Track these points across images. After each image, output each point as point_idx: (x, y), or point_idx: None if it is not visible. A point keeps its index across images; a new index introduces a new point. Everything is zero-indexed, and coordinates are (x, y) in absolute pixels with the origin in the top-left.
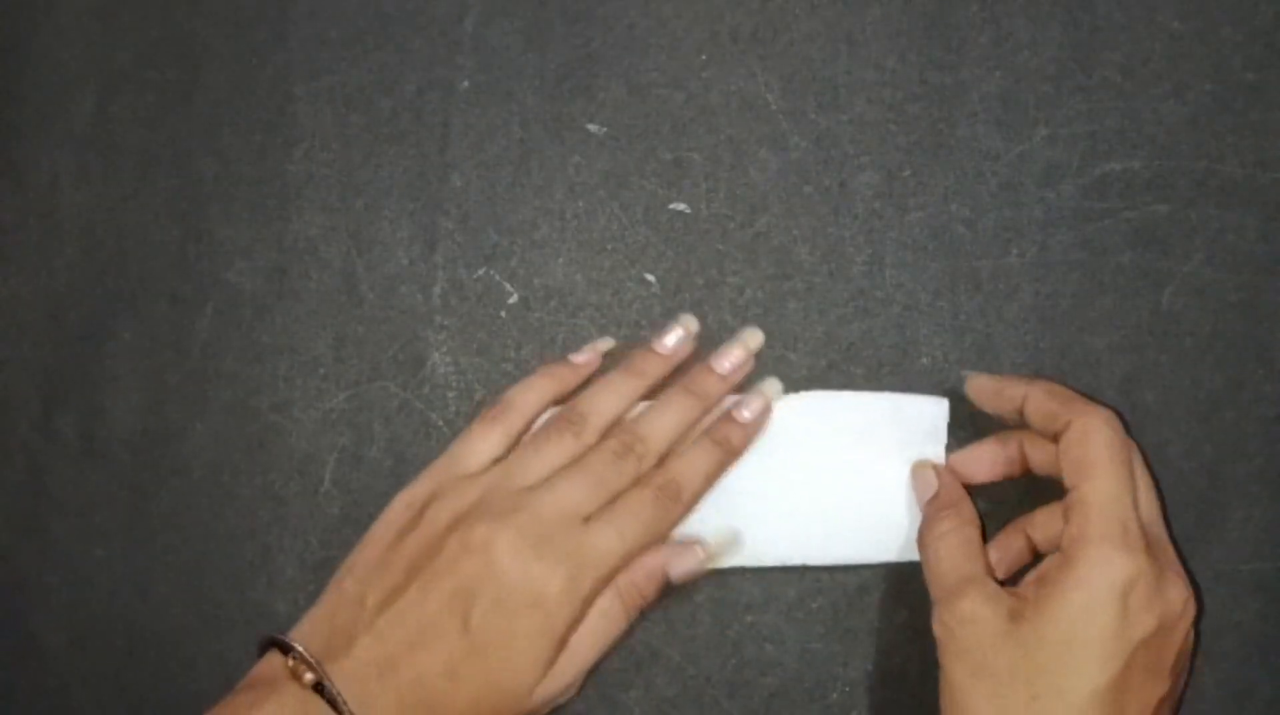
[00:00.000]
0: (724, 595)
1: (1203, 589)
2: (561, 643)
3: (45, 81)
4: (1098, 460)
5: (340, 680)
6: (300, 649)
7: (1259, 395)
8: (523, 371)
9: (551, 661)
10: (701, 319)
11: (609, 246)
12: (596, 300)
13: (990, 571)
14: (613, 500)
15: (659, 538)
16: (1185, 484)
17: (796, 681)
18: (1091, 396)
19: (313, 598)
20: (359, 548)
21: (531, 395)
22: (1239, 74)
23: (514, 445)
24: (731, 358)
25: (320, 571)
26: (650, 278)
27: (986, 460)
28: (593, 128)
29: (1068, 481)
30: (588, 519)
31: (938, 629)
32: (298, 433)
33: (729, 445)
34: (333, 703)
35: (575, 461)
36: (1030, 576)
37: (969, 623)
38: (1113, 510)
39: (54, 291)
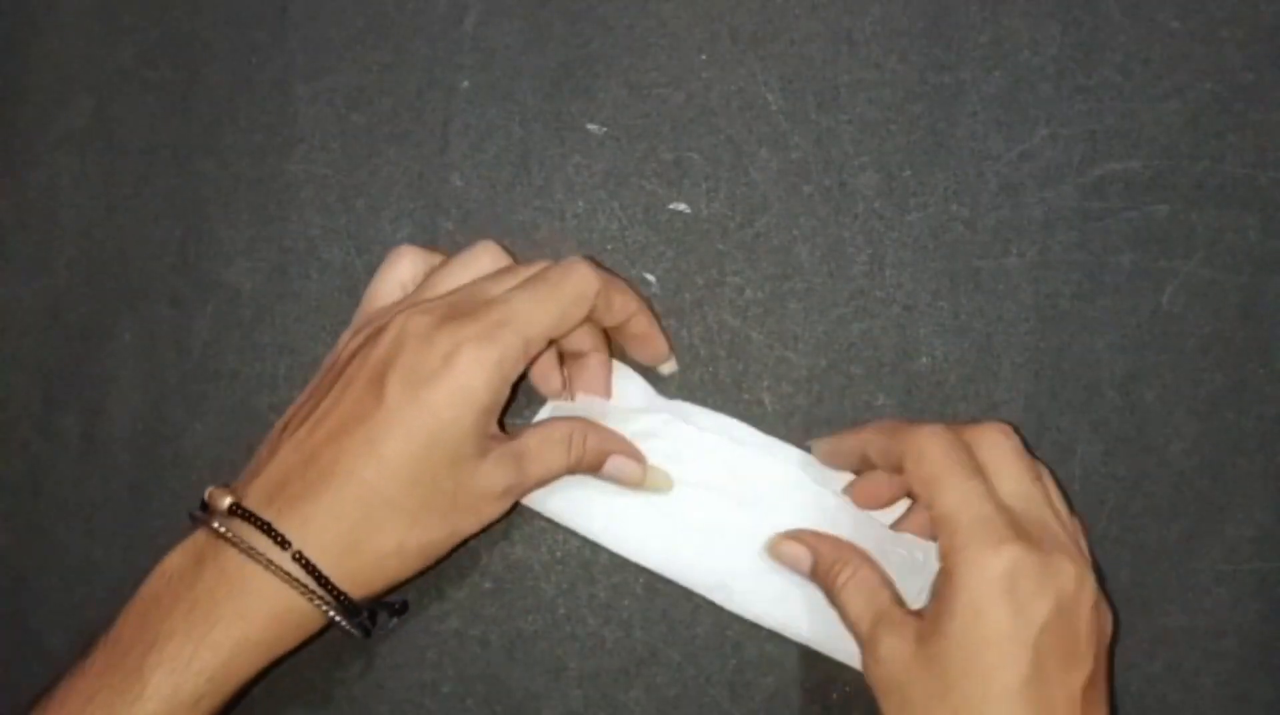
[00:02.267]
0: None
1: (1203, 589)
2: (487, 414)
3: (45, 81)
4: (934, 475)
5: (258, 496)
6: (211, 486)
7: (1259, 395)
8: None
9: (481, 436)
10: (701, 319)
11: (609, 246)
12: None
13: (895, 599)
14: None
15: (578, 304)
16: (1185, 484)
17: (796, 681)
18: (1091, 396)
19: None
20: None
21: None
22: (1239, 74)
23: (417, 274)
24: None
25: None
26: (650, 278)
27: (883, 490)
28: (593, 128)
29: (925, 503)
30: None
31: (867, 676)
32: None
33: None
34: (247, 517)
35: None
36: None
37: (885, 662)
38: (967, 514)
39: (54, 291)
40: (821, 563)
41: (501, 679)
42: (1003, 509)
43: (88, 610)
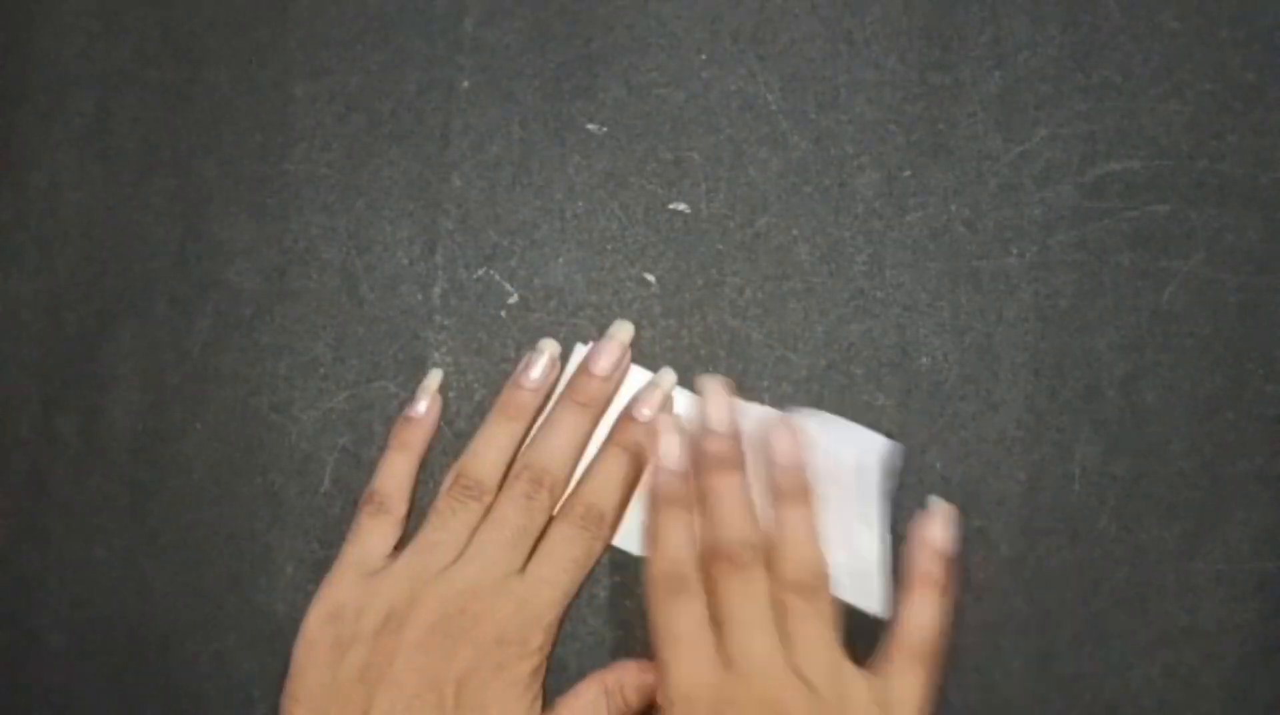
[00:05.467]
0: None
1: (1203, 589)
2: (534, 693)
3: (45, 81)
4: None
5: None
6: None
7: (1259, 395)
8: None
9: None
10: (701, 319)
11: (609, 246)
12: (596, 300)
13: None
14: (539, 544)
15: (593, 564)
16: (1185, 484)
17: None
18: (1091, 396)
19: (312, 598)
20: (295, 676)
21: (400, 476)
22: (1239, 74)
23: (404, 529)
24: (607, 356)
25: (320, 571)
26: (650, 278)
27: None
28: (593, 128)
29: None
30: (521, 570)
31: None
32: (298, 433)
33: (637, 449)
34: None
35: (489, 521)
36: None
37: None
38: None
39: (54, 291)
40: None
41: None
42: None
43: (88, 610)
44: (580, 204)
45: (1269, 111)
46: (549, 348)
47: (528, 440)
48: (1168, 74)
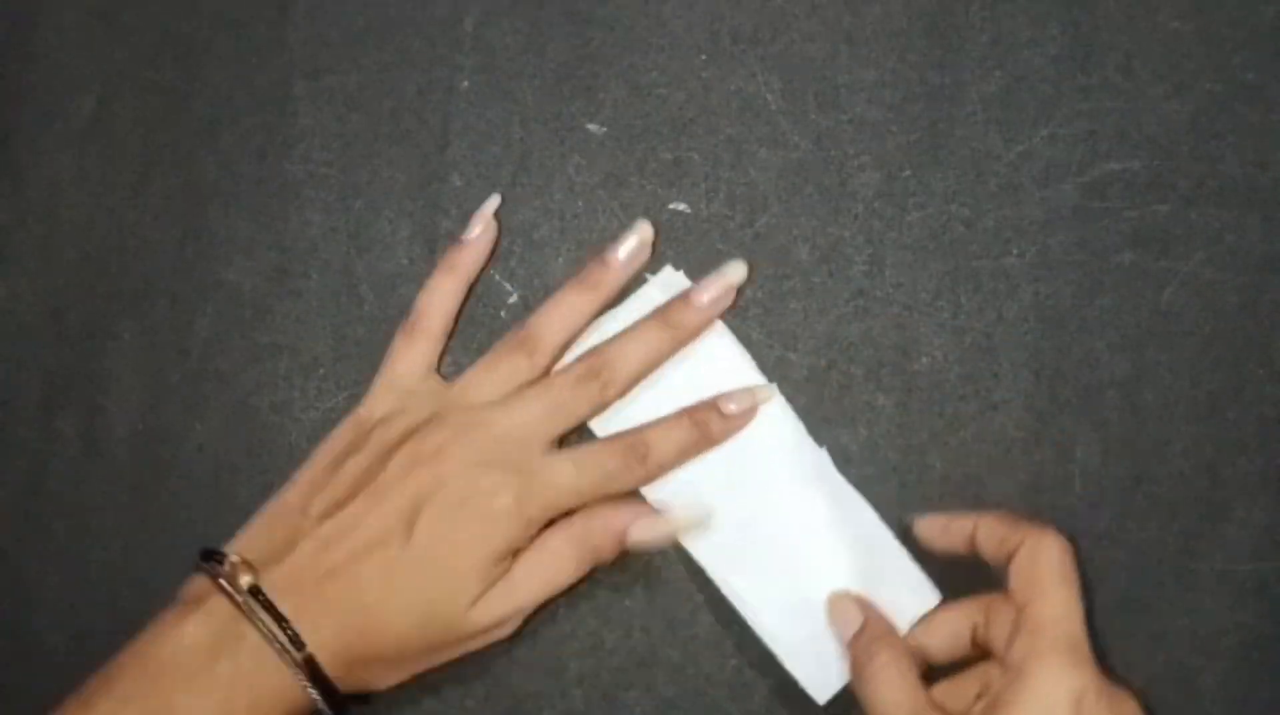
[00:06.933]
0: (724, 595)
1: (1203, 589)
2: (500, 561)
3: (45, 81)
4: (1047, 578)
5: (276, 586)
6: (234, 556)
7: (1259, 395)
8: None
9: (488, 580)
10: None
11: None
12: None
13: (931, 702)
14: (579, 446)
15: (615, 492)
16: (1185, 484)
17: (796, 682)
18: (1091, 396)
19: None
20: (303, 466)
21: (441, 297)
22: (1239, 74)
23: (441, 349)
24: (712, 290)
25: None
26: (650, 278)
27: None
28: (593, 128)
29: (1018, 600)
30: (548, 446)
31: None
32: (298, 433)
33: (706, 431)
34: (268, 607)
35: (536, 382)
36: (977, 704)
37: None
38: (1063, 627)
39: (54, 291)
40: (867, 633)
41: (501, 679)
42: (1087, 638)
43: (88, 610)
44: (580, 204)
45: (1269, 111)
46: (641, 229)
47: (605, 339)
48: (1168, 74)
